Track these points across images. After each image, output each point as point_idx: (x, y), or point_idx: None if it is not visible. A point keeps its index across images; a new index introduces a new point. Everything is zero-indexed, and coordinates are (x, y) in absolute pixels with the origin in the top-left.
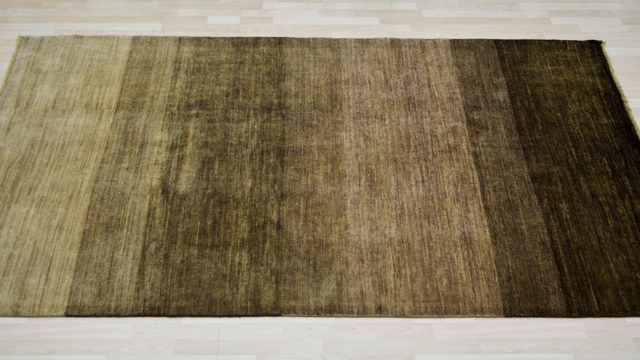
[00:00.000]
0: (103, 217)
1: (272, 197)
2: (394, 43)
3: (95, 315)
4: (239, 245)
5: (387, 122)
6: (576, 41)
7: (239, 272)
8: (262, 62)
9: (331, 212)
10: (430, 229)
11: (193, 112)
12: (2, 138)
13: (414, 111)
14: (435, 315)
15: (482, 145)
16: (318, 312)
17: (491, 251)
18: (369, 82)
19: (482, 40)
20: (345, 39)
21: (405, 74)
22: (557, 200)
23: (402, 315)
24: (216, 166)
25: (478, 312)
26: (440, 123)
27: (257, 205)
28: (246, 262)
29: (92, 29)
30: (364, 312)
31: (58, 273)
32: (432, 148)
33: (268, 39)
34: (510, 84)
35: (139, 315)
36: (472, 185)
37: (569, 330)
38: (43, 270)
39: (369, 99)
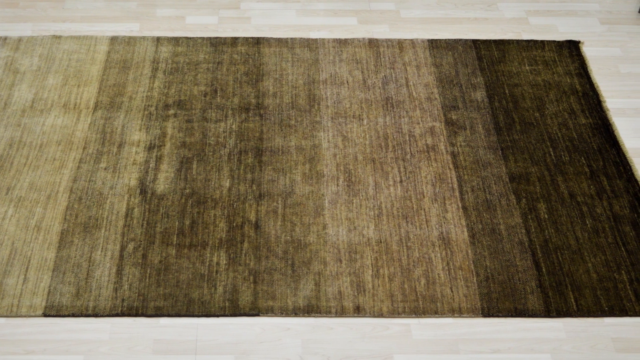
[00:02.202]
0: (81, 217)
1: (250, 197)
2: (372, 43)
3: (73, 315)
4: (217, 245)
5: (365, 122)
6: (554, 41)
7: (217, 272)
8: (240, 62)
9: (309, 212)
10: (409, 229)
11: (171, 112)
12: None
13: (392, 111)
14: (413, 315)
15: (460, 145)
16: (296, 312)
17: (469, 251)
18: (347, 82)
19: (460, 40)
20: (323, 39)
21: (383, 74)
22: (535, 200)
23: (380, 315)
24: (194, 166)
25: (456, 312)
26: (419, 123)
27: (235, 205)
28: (224, 262)
29: (70, 29)
30: (342, 312)
31: (36, 273)
32: (410, 148)
33: (246, 39)
34: (489, 84)
35: (117, 315)
36: (450, 185)
37: (547, 330)
38: (21, 270)
39: (347, 99)
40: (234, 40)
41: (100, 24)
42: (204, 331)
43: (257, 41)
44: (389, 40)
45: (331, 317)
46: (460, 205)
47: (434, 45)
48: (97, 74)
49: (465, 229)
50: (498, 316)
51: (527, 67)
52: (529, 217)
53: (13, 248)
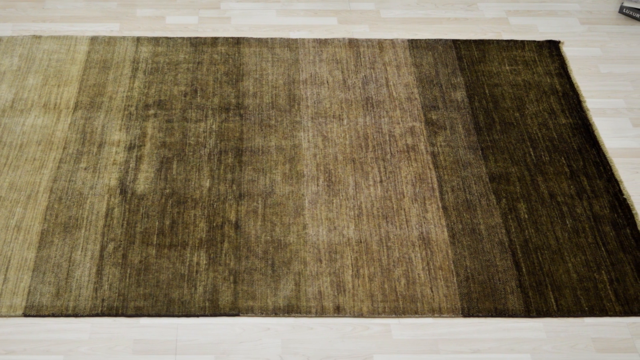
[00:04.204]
0: (61, 217)
1: (230, 197)
2: (352, 43)
3: (54, 315)
4: (197, 245)
5: (345, 122)
6: (534, 41)
7: (197, 272)
8: (220, 62)
9: (289, 212)
10: (389, 229)
11: (151, 112)
12: None
13: (372, 111)
14: (394, 315)
15: (441, 145)
16: (276, 312)
17: (449, 251)
18: (327, 82)
19: (440, 40)
20: (304, 39)
21: (363, 74)
22: (515, 200)
23: (360, 315)
24: (174, 166)
25: (436, 312)
26: (399, 123)
27: (215, 205)
28: (204, 262)
29: (50, 29)
30: (322, 312)
31: (16, 273)
32: (390, 148)
33: (226, 39)
34: (469, 84)
35: (97, 315)
36: (431, 185)
37: (527, 330)
38: (1, 270)
39: (327, 99)
40: (214, 40)
41: (81, 24)
42: (184, 331)
43: (237, 41)
44: (369, 40)
45: (311, 317)
46: (440, 205)
47: (414, 45)
48: (77, 74)
49: (445, 229)
50: (478, 316)
51: (507, 67)
52: (509, 217)
53: None
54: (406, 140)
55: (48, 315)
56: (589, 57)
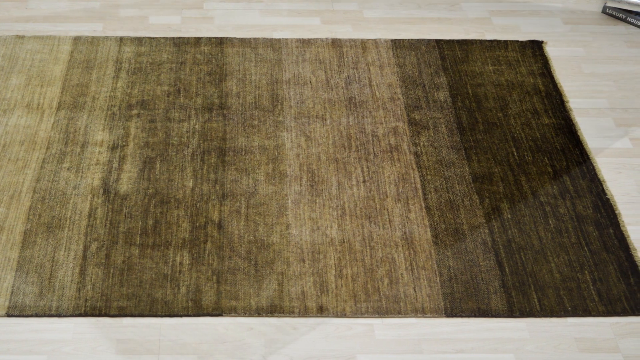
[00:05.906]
0: (44, 217)
1: (213, 197)
2: (335, 43)
3: (37, 316)
4: (180, 245)
5: (328, 122)
6: (517, 41)
7: (180, 272)
8: (203, 62)
9: (272, 212)
10: (372, 229)
11: (134, 112)
12: None
13: (355, 111)
14: (377, 315)
15: (424, 146)
16: (259, 312)
17: (432, 251)
18: (310, 82)
19: (424, 40)
20: (287, 39)
21: (346, 74)
22: (498, 200)
23: (344, 315)
24: (157, 166)
25: (419, 312)
26: (382, 123)
27: (198, 205)
28: (187, 262)
29: (34, 29)
30: (305, 312)
31: None
32: (373, 148)
33: (209, 39)
34: (452, 84)
35: (80, 315)
36: (414, 185)
37: (511, 330)
38: None
39: (310, 99)
40: (197, 40)
41: (64, 24)
42: (167, 331)
43: (220, 41)
44: (352, 40)
45: (294, 317)
46: (423, 205)
47: (397, 45)
48: (61, 74)
49: (428, 229)
50: (461, 316)
51: (490, 67)
52: (492, 217)
53: None
54: (389, 140)
55: (31, 316)
56: (572, 57)
